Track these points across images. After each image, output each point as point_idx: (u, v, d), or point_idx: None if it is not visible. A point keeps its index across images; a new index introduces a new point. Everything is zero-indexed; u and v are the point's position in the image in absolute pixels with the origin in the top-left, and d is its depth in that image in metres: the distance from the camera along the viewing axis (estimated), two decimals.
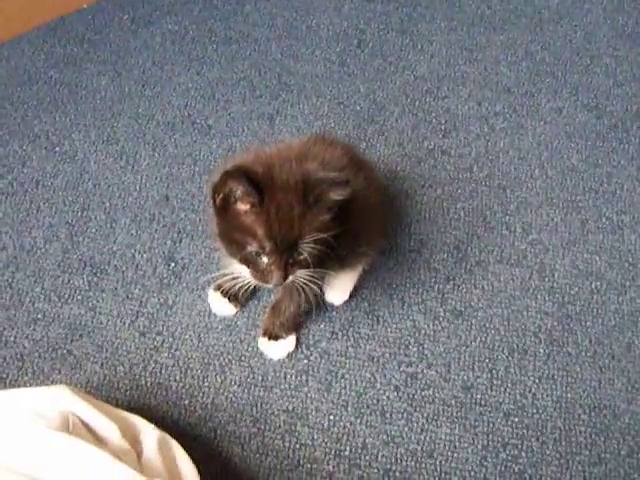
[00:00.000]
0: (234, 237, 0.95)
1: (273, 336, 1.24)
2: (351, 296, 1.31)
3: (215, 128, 1.51)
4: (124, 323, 1.28)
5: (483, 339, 1.27)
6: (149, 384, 1.22)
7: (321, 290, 1.20)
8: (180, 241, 1.37)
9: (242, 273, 0.99)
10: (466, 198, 1.43)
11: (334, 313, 1.30)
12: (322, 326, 1.29)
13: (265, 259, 0.94)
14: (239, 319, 1.29)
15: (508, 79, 1.52)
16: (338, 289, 1.28)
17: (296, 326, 1.26)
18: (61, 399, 0.97)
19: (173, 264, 1.35)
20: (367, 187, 1.09)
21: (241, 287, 1.04)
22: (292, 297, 1.16)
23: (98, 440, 0.95)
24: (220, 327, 1.28)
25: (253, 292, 1.29)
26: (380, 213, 1.20)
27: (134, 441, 0.98)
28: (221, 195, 0.93)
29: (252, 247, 0.93)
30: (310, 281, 0.98)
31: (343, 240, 0.99)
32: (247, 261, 0.97)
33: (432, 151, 1.46)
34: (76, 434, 0.92)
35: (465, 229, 1.39)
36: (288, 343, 1.25)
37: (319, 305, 1.23)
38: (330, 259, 1.00)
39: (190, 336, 1.28)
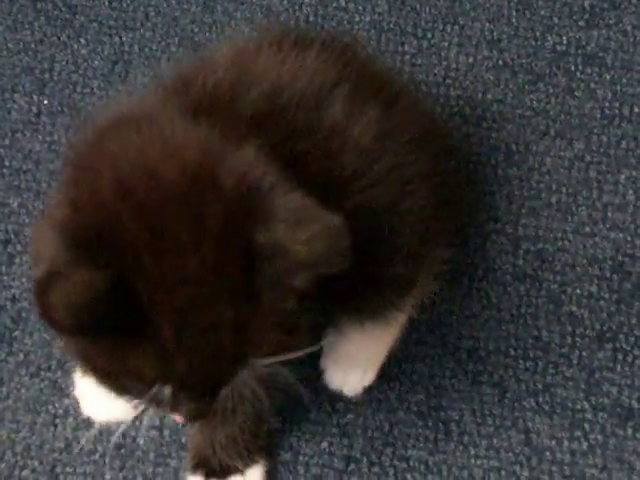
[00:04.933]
0: (100, 368, 0.81)
1: (215, 470, 1.07)
2: (384, 377, 1.07)
3: None
4: None
5: None
6: None
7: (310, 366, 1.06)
8: (10, 261, 1.15)
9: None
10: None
11: (350, 415, 1.07)
12: (324, 445, 1.07)
13: (167, 392, 0.82)
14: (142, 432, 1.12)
15: None
16: (350, 365, 1.09)
17: (263, 445, 1.07)
18: None
19: None
20: (411, 142, 0.94)
21: None
22: (242, 394, 0.99)
23: None
24: (101, 450, 1.09)
25: None
26: (443, 193, 0.99)
27: None
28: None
29: (138, 394, 0.81)
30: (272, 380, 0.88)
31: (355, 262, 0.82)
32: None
33: None
34: None
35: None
36: None
37: (313, 395, 1.05)
38: (322, 310, 0.89)
39: (35, 470, 1.07)
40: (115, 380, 0.80)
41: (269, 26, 1.15)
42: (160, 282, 0.72)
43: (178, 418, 0.86)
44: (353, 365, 1.08)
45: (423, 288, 1.02)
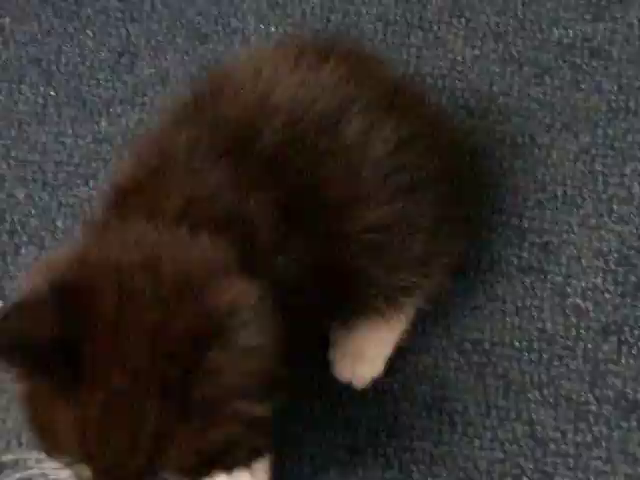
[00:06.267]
0: (30, 417, 0.79)
1: None
2: (389, 368, 1.05)
3: None
4: None
5: None
6: None
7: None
8: (16, 251, 1.11)
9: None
10: None
11: (355, 407, 1.05)
12: (329, 436, 1.03)
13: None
14: None
15: None
16: (359, 357, 1.06)
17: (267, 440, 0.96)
18: None
19: None
20: (421, 150, 0.94)
21: None
22: None
23: None
24: None
25: None
26: (452, 189, 0.99)
27: None
28: None
29: (53, 455, 0.79)
30: None
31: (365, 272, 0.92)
32: None
33: None
34: None
35: None
36: None
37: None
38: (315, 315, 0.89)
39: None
40: (45, 440, 0.79)
41: (284, 38, 1.12)
42: (107, 356, 0.73)
43: None
44: (362, 357, 1.06)
45: (434, 282, 1.01)
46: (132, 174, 0.89)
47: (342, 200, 0.90)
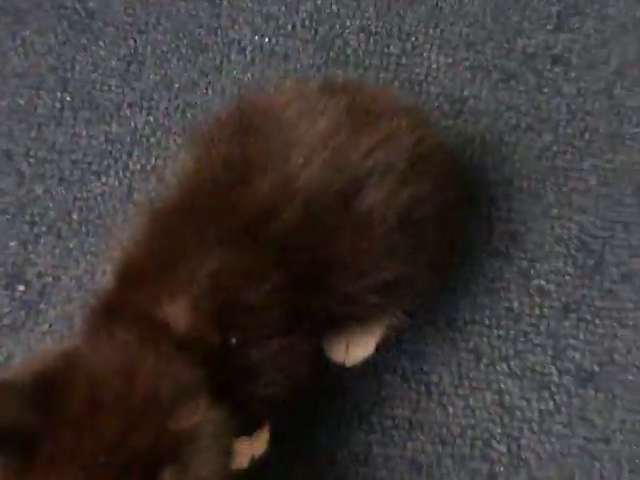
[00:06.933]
0: None
1: None
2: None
3: None
4: None
5: None
6: None
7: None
8: (36, 241, 1.11)
9: None
10: None
11: (342, 378, 1.06)
12: (317, 405, 1.05)
13: None
14: None
15: None
16: (352, 339, 1.05)
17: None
18: None
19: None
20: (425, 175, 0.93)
21: None
22: None
23: None
24: None
25: None
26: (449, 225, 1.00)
27: None
28: None
29: None
30: None
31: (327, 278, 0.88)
32: None
33: None
34: None
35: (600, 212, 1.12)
36: None
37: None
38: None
39: None
40: None
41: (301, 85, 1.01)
42: (62, 451, 0.72)
43: None
44: (355, 339, 1.06)
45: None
46: (133, 260, 0.87)
47: (350, 265, 0.89)
